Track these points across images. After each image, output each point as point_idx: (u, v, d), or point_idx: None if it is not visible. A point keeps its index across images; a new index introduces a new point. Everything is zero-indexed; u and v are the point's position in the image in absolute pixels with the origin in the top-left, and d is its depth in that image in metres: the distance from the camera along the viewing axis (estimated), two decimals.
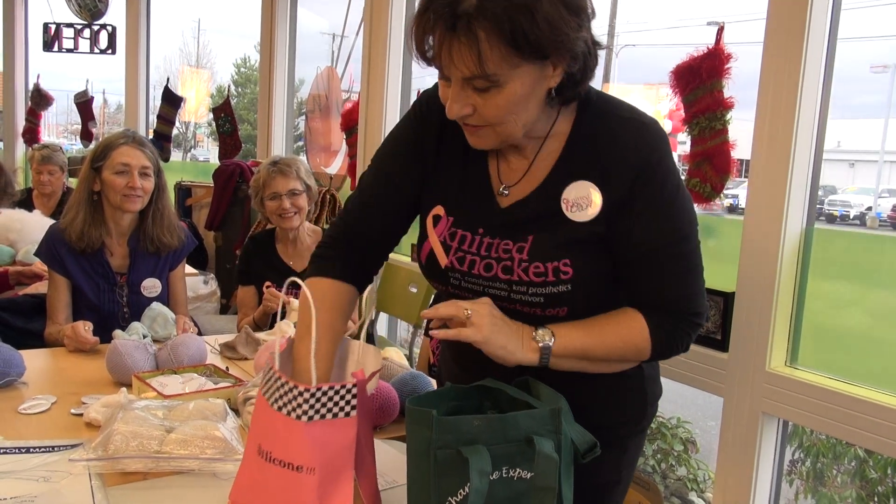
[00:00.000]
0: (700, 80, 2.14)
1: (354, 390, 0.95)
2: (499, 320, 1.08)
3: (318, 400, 0.93)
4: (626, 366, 1.19)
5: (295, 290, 2.60)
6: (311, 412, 0.93)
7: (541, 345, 1.09)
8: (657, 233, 1.09)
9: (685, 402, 4.41)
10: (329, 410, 0.94)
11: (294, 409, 0.93)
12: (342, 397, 0.94)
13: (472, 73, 0.97)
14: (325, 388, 0.93)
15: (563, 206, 1.09)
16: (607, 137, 1.09)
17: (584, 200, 1.08)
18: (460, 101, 1.01)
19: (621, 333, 1.12)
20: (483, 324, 1.05)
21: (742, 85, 2.17)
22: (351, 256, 1.23)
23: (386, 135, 4.11)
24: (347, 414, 0.95)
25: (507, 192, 1.14)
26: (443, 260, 1.16)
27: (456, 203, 1.17)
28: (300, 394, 0.93)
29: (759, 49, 2.05)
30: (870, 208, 11.10)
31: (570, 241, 1.09)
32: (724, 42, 2.17)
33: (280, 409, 0.95)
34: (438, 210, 1.18)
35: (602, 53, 1.08)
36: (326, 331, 1.11)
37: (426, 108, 1.20)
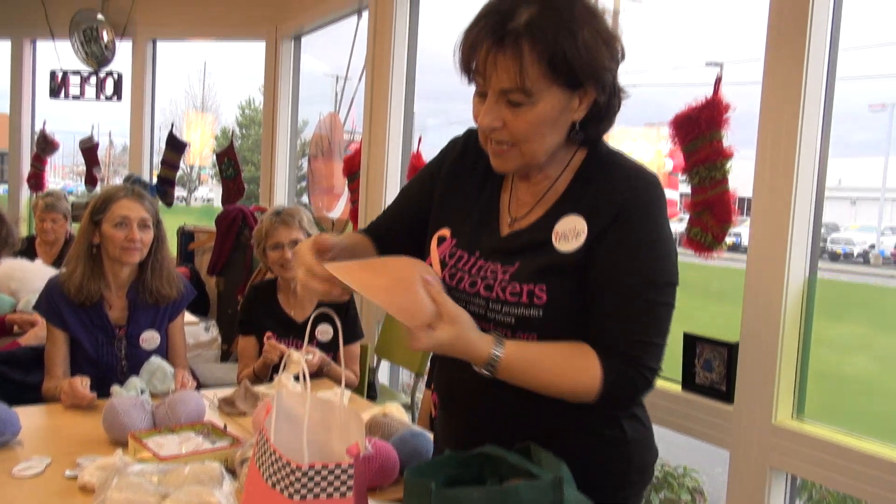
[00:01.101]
0: (699, 130, 2.15)
1: (351, 470, 0.93)
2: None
3: (311, 479, 0.91)
4: (577, 398, 1.13)
5: (298, 340, 2.60)
6: (304, 491, 0.90)
7: (494, 340, 1.08)
8: (625, 271, 1.11)
9: (691, 447, 4.34)
10: (323, 490, 0.92)
11: (287, 487, 0.91)
12: (337, 477, 0.92)
13: (512, 84, 1.05)
14: (318, 467, 0.91)
15: (553, 238, 1.14)
16: (604, 178, 1.15)
17: (572, 232, 1.13)
18: (493, 113, 1.08)
19: (574, 361, 1.11)
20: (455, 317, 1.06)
21: (743, 124, 2.18)
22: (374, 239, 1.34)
23: (388, 180, 4.12)
24: (343, 494, 0.93)
25: (511, 224, 1.21)
26: (438, 274, 1.20)
27: (463, 228, 1.24)
28: (293, 471, 0.91)
29: (759, 89, 2.06)
30: (873, 246, 11.07)
31: (550, 267, 1.12)
32: (721, 92, 2.18)
33: (274, 485, 0.93)
34: (444, 232, 1.25)
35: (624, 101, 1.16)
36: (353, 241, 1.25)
37: (458, 142, 1.31)
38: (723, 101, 2.16)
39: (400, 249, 1.32)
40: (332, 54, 5.27)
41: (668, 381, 2.28)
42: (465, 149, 1.28)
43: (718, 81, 2.18)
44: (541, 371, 1.11)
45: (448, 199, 1.28)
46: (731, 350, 2.17)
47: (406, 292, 1.00)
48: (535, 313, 1.11)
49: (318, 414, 1.07)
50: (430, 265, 1.22)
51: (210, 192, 22.64)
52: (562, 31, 1.03)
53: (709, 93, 2.18)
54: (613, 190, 1.12)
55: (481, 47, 1.06)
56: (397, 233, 1.34)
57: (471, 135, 1.29)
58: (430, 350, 1.07)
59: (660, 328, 1.13)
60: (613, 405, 1.16)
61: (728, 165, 2.18)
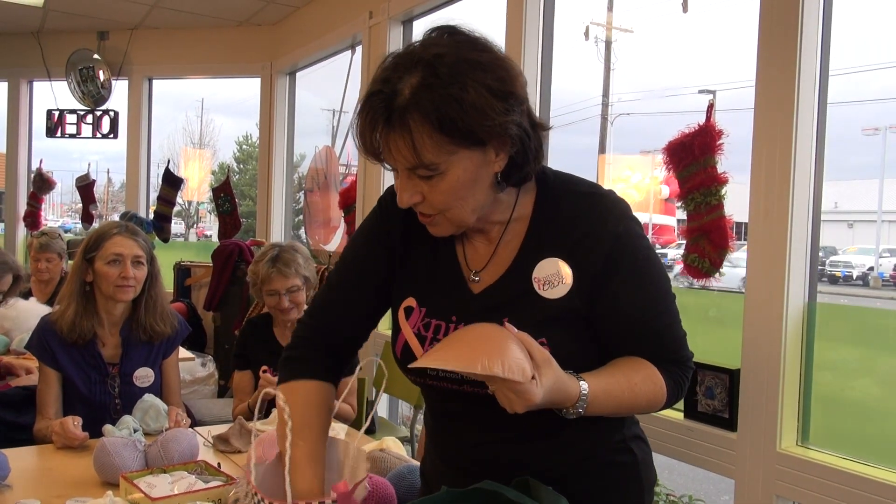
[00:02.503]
0: (693, 156, 2.15)
1: None
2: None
3: None
4: (650, 410, 1.16)
5: None
6: None
7: (574, 376, 1.04)
8: (644, 299, 1.12)
9: (697, 475, 4.28)
10: None
11: None
12: None
13: (412, 163, 1.02)
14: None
15: (535, 285, 1.10)
16: (571, 214, 1.11)
17: (555, 277, 1.09)
18: (409, 189, 1.06)
19: (641, 374, 1.12)
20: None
21: (738, 150, 2.19)
22: (321, 353, 1.23)
23: None
24: None
25: (477, 279, 1.15)
26: (418, 352, 1.15)
27: (427, 293, 1.18)
28: None
29: (752, 115, 2.07)
30: (871, 268, 11.07)
31: (545, 319, 1.09)
32: (714, 118, 2.19)
33: None
34: (410, 301, 1.18)
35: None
36: (309, 432, 1.10)
37: (390, 201, 1.20)
38: (716, 127, 2.17)
39: (358, 337, 1.26)
40: (327, 88, 5.32)
41: (670, 410, 2.25)
42: (405, 211, 1.15)
43: (711, 108, 2.19)
44: (620, 392, 1.09)
45: (404, 265, 1.21)
46: (732, 376, 2.14)
47: (508, 349, 0.95)
48: None
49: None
50: (406, 342, 1.16)
51: (209, 228, 22.69)
52: (445, 98, 0.98)
53: (702, 119, 2.18)
54: (589, 227, 1.09)
55: (376, 130, 1.02)
56: (354, 328, 1.25)
57: (386, 197, 1.23)
58: (542, 401, 0.97)
59: (677, 320, 1.16)
60: (674, 404, 1.18)
61: (723, 191, 2.18)
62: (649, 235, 1.23)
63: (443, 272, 1.18)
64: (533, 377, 0.95)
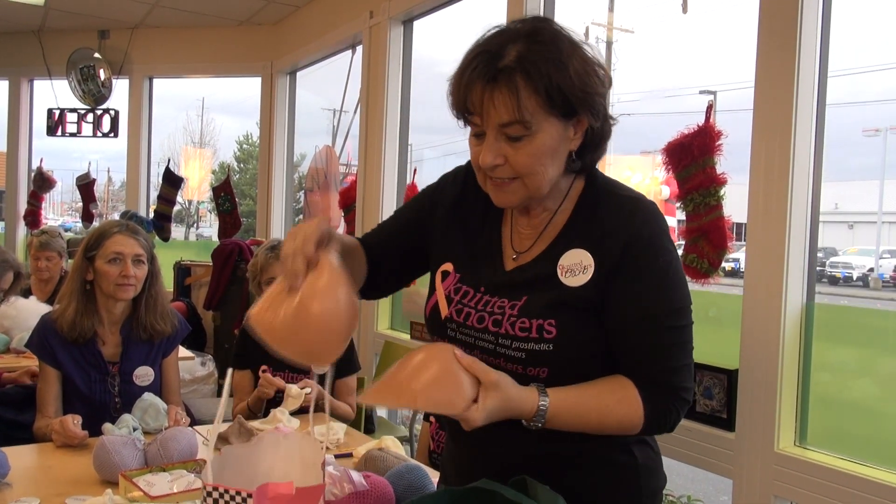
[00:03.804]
0: (692, 157, 2.16)
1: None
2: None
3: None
4: (623, 432, 1.15)
5: (293, 374, 2.58)
6: None
7: (538, 391, 1.09)
8: (648, 302, 1.12)
9: (696, 475, 4.28)
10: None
11: None
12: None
13: (511, 118, 1.06)
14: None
15: (559, 272, 1.14)
16: (606, 210, 1.16)
17: (578, 267, 1.13)
18: (493, 150, 1.10)
19: (616, 396, 1.12)
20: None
21: (738, 150, 2.19)
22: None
23: (383, 212, 4.15)
24: None
25: (515, 258, 1.21)
26: (444, 310, 1.22)
27: (465, 262, 1.25)
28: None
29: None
30: (872, 269, 11.07)
31: (559, 303, 1.12)
32: (713, 119, 2.19)
33: None
34: (447, 266, 1.25)
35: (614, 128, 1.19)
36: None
37: (458, 175, 1.32)
38: (714, 128, 2.17)
39: (390, 269, 1.35)
40: (328, 88, 5.32)
41: None
42: (464, 183, 1.29)
43: (710, 109, 2.19)
44: (587, 412, 1.11)
45: (449, 233, 1.28)
46: (730, 377, 2.15)
47: (440, 382, 1.01)
48: (545, 347, 1.11)
49: (282, 451, 1.09)
50: (436, 302, 1.23)
51: (210, 229, 22.72)
52: (552, 63, 1.06)
53: (702, 120, 2.19)
54: (617, 224, 1.13)
55: (475, 87, 1.07)
56: (390, 254, 1.35)
57: (469, 170, 1.30)
58: (486, 422, 1.05)
59: (685, 350, 1.15)
60: (658, 432, 1.17)
61: (722, 192, 2.18)
62: None
63: (484, 246, 1.25)
64: (475, 400, 1.02)
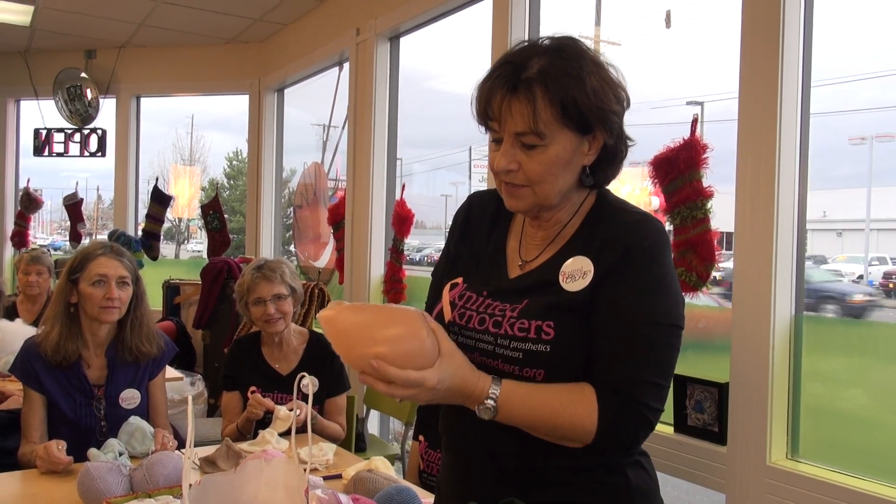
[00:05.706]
0: (678, 170, 2.16)
1: None
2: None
3: None
4: (572, 440, 1.13)
5: (282, 394, 2.55)
6: None
7: (492, 379, 1.11)
8: (626, 307, 1.12)
9: (689, 489, 4.27)
10: None
11: None
12: None
13: (525, 127, 1.11)
14: None
15: (560, 278, 1.17)
16: (610, 222, 1.19)
17: (578, 272, 1.15)
18: (508, 155, 1.14)
19: (571, 397, 1.11)
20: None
21: (727, 160, 2.19)
22: None
23: (373, 228, 4.11)
24: None
25: (521, 266, 1.24)
26: (448, 315, 1.24)
27: (472, 271, 1.29)
28: None
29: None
30: (861, 277, 11.12)
31: (558, 305, 1.14)
32: (699, 132, 2.20)
33: None
34: (457, 280, 1.30)
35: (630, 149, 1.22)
36: None
37: (463, 206, 1.39)
38: (700, 142, 2.17)
39: None
40: (316, 104, 5.32)
41: (660, 424, 2.23)
42: (468, 209, 1.35)
43: (695, 122, 2.20)
44: (540, 405, 1.10)
45: (461, 254, 1.33)
46: (721, 390, 2.14)
47: (415, 337, 1.04)
48: (542, 348, 1.12)
49: (265, 477, 1.07)
50: (441, 309, 1.26)
51: (200, 245, 22.62)
52: (571, 78, 1.10)
53: (687, 133, 2.19)
54: (619, 233, 1.16)
55: (496, 95, 1.13)
56: None
57: (472, 198, 1.38)
58: (434, 392, 1.06)
59: (661, 368, 1.13)
60: (614, 446, 1.14)
61: (709, 205, 2.18)
62: None
63: (492, 256, 1.29)
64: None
